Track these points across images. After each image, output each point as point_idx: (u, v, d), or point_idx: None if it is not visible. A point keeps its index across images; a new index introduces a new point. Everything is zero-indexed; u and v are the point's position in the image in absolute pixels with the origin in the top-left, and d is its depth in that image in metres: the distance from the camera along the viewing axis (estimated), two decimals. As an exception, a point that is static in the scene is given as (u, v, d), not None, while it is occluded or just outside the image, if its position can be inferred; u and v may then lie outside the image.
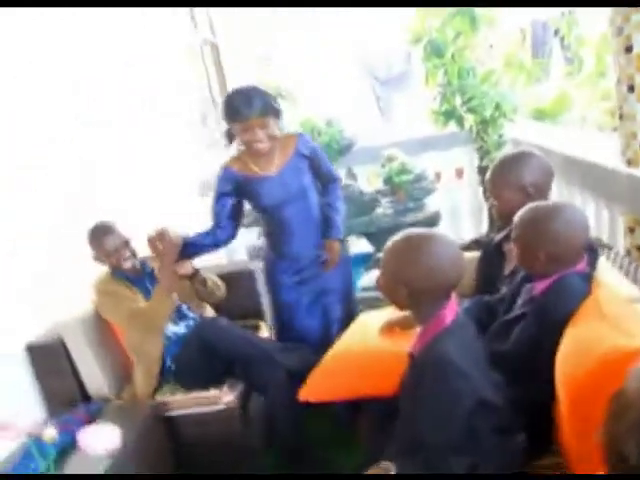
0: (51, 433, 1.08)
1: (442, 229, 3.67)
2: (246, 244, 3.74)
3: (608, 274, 1.73)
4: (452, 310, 1.37)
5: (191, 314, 2.46)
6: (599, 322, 1.33)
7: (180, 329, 2.39)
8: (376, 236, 3.58)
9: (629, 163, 2.27)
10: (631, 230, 2.31)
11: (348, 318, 2.35)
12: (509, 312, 1.68)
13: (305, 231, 2.40)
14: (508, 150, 2.89)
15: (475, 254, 2.07)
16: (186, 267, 2.42)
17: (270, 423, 2.31)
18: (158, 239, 2.30)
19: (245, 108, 2.16)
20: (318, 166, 2.43)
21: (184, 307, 2.46)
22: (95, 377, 2.32)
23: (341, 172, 3.26)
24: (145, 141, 3.36)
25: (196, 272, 2.46)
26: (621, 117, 2.25)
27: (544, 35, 4.85)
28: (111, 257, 2.32)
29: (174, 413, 2.27)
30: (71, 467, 1.79)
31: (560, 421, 1.38)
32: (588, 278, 1.55)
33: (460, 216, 4.21)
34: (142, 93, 3.36)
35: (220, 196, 2.38)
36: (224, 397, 2.24)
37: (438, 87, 3.59)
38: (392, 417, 1.53)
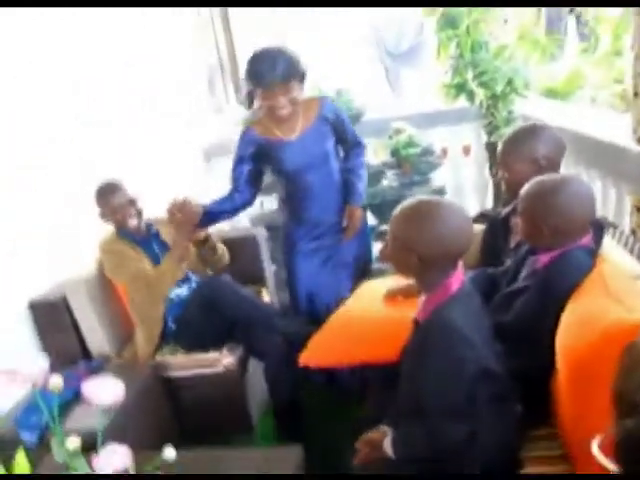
0: (57, 382, 1.09)
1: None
2: (249, 212, 3.73)
3: (613, 251, 1.73)
4: (458, 279, 1.37)
5: (194, 277, 2.47)
6: (603, 296, 1.33)
7: (183, 291, 2.41)
8: (380, 208, 3.56)
9: (639, 142, 2.25)
10: (638, 209, 2.29)
11: None
12: (512, 284, 1.68)
13: (326, 197, 2.35)
14: (516, 127, 2.86)
15: (481, 227, 2.06)
16: (198, 233, 2.41)
17: (268, 388, 2.34)
18: (177, 209, 2.28)
19: (268, 73, 2.08)
20: (342, 131, 2.37)
21: (188, 271, 2.47)
22: (96, 335, 2.34)
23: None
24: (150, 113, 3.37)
25: (207, 238, 2.45)
26: (636, 95, 2.21)
27: (560, 10, 4.76)
28: (117, 214, 2.32)
29: (173, 374, 2.30)
30: (74, 419, 1.83)
31: (558, 392, 1.40)
32: (592, 253, 1.55)
33: (465, 193, 4.19)
34: (142, 91, 3.35)
35: (240, 160, 2.34)
36: (224, 360, 2.26)
37: (450, 60, 3.54)
38: (392, 384, 1.55)
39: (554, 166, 1.79)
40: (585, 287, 1.42)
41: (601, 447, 0.77)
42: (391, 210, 1.45)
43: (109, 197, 2.31)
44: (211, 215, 2.35)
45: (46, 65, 2.53)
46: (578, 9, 4.69)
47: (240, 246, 2.73)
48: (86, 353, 2.36)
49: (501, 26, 3.56)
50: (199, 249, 2.47)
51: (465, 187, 4.20)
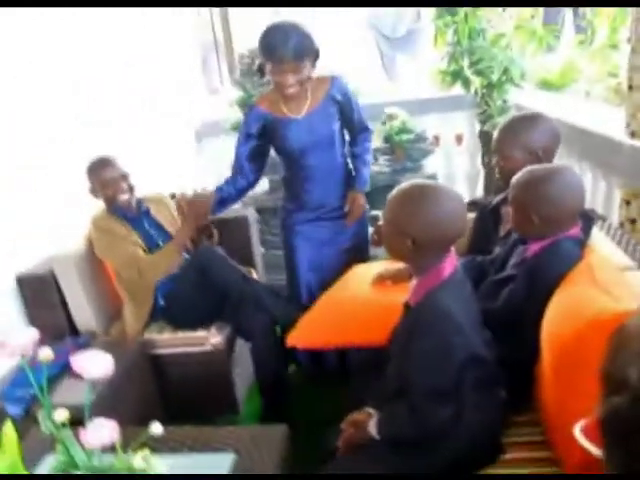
0: (47, 353, 1.09)
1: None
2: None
3: (601, 243, 1.75)
4: (451, 264, 1.38)
5: (186, 255, 2.47)
6: (590, 286, 1.35)
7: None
8: (371, 194, 3.55)
9: (632, 135, 2.26)
10: (627, 202, 2.32)
11: None
12: (500, 272, 1.70)
13: (328, 180, 2.32)
14: (511, 115, 2.87)
15: (472, 215, 2.07)
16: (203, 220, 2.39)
17: (254, 368, 2.35)
18: (186, 203, 2.27)
19: (281, 48, 2.03)
20: (350, 114, 2.32)
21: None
22: (84, 311, 2.34)
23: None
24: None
25: (209, 225, 2.44)
26: (630, 88, 2.23)
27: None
28: (108, 189, 2.30)
29: (161, 351, 2.30)
30: (60, 394, 1.83)
31: (541, 379, 1.42)
32: (581, 244, 1.56)
33: (456, 181, 4.20)
34: (143, 91, 3.36)
35: (245, 138, 2.30)
36: (211, 338, 2.27)
37: (447, 47, 3.53)
38: (377, 366, 1.56)
39: (549, 156, 1.80)
40: (573, 277, 1.44)
41: (584, 431, 0.79)
42: (382, 196, 1.44)
43: (101, 171, 2.29)
44: (221, 201, 2.34)
45: (46, 65, 2.53)
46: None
47: (231, 226, 2.72)
48: (73, 329, 2.35)
49: (499, 14, 3.54)
50: (198, 235, 2.46)
51: (456, 175, 4.22)
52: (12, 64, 2.33)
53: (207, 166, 4.13)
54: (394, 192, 1.39)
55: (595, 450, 0.73)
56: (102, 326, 2.38)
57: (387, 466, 1.36)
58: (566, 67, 3.99)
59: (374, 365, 1.59)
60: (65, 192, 2.49)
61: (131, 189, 2.36)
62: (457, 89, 3.73)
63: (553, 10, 4.37)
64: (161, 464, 1.20)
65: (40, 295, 2.30)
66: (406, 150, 3.58)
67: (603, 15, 3.93)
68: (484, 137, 3.65)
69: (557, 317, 1.36)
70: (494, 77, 3.36)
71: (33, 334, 1.07)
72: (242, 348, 2.43)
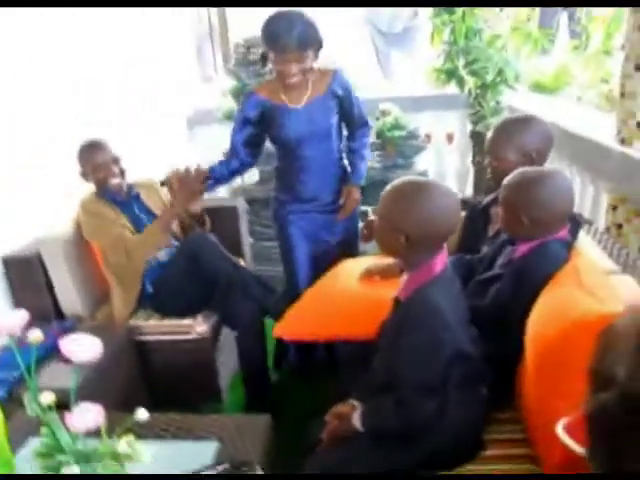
0: (36, 334, 1.08)
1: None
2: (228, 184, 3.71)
3: (587, 246, 1.78)
4: (442, 260, 1.39)
5: (175, 242, 2.46)
6: (576, 288, 1.37)
7: (162, 256, 2.39)
8: (361, 189, 3.57)
9: (622, 142, 2.29)
10: (614, 208, 2.35)
11: None
12: (488, 272, 1.72)
13: (323, 173, 2.30)
14: (504, 117, 2.88)
15: (462, 214, 2.09)
16: (197, 206, 2.38)
17: (239, 357, 2.35)
18: (177, 180, 2.27)
19: (285, 37, 2.01)
20: (350, 108, 2.31)
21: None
22: (70, 295, 2.32)
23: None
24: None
25: (202, 213, 2.43)
26: (622, 95, 2.25)
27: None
28: (99, 172, 2.29)
29: (147, 338, 2.30)
30: (45, 377, 1.82)
31: (524, 378, 1.44)
32: (568, 246, 1.59)
33: (446, 179, 4.22)
34: (142, 92, 3.36)
35: (242, 125, 2.28)
36: (197, 327, 2.27)
37: (443, 45, 3.53)
38: (363, 360, 1.58)
39: (542, 158, 1.82)
40: (559, 278, 1.46)
41: (566, 429, 0.80)
42: (373, 192, 1.44)
43: (92, 154, 2.28)
44: (213, 181, 2.34)
45: (46, 65, 2.51)
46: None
47: (220, 216, 2.71)
48: (59, 313, 2.34)
49: (496, 14, 3.55)
50: (190, 222, 2.45)
51: (447, 173, 4.24)
52: (12, 64, 2.32)
53: (199, 154, 4.11)
54: (388, 188, 1.39)
55: (577, 448, 0.75)
56: (88, 310, 2.37)
57: (369, 459, 1.37)
58: (560, 71, 4.02)
59: (362, 358, 1.60)
60: (65, 192, 2.47)
61: (122, 173, 2.35)
62: (451, 88, 3.74)
63: (549, 13, 4.39)
64: (145, 450, 1.20)
65: (26, 277, 2.28)
66: (397, 146, 3.58)
67: (598, 21, 3.95)
68: (476, 137, 3.66)
69: (542, 317, 1.38)
70: (488, 78, 3.37)
71: (23, 315, 1.06)
72: (227, 337, 2.44)
